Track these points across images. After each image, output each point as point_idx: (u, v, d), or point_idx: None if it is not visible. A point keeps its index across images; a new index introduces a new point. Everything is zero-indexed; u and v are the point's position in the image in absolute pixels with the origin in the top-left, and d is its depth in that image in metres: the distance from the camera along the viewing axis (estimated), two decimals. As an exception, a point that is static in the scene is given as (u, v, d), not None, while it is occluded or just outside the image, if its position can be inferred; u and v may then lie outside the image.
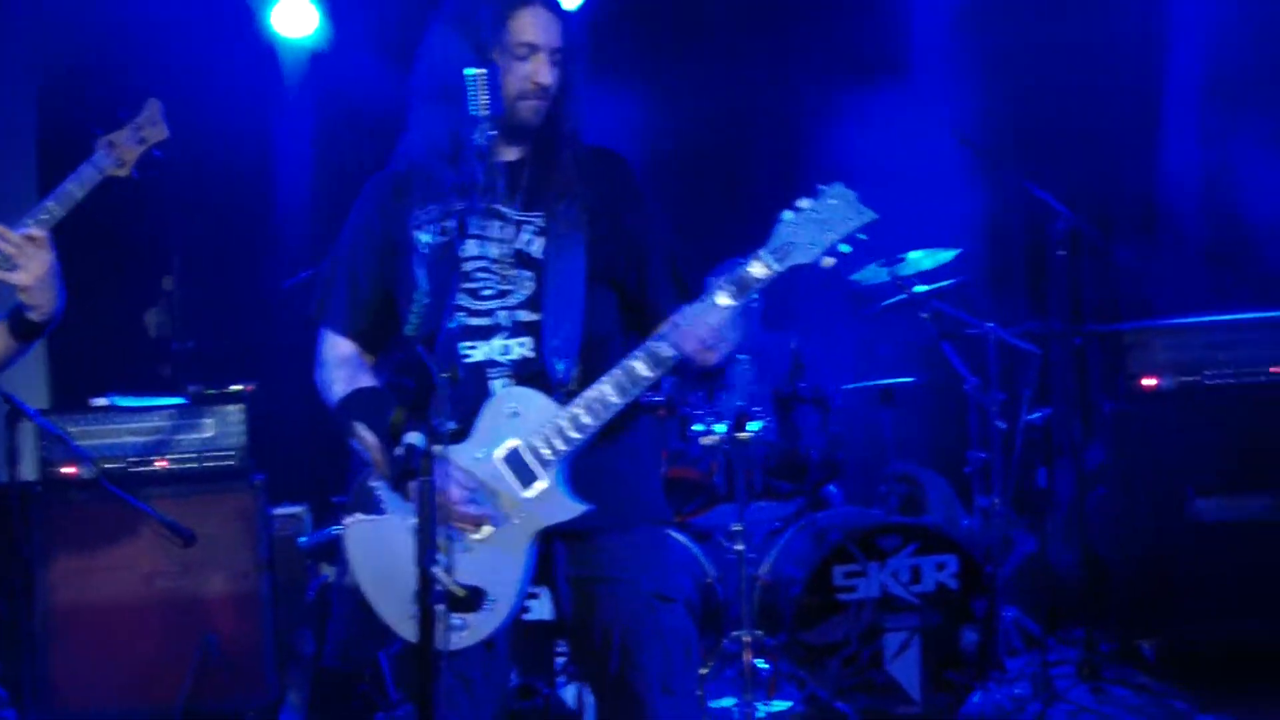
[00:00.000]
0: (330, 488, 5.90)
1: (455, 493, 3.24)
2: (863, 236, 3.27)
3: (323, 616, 5.58)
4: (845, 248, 3.26)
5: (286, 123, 7.52)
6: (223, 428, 5.91)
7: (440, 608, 2.91)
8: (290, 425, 6.51)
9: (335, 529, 5.81)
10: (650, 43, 7.81)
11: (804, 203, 3.26)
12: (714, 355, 3.28)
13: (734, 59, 7.91)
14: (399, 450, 2.93)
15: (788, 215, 3.26)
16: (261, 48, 7.40)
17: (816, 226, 3.23)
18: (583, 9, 7.13)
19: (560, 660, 5.27)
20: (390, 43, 6.44)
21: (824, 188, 3.28)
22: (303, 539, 6.18)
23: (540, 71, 3.43)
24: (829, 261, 3.25)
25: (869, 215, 3.26)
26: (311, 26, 7.33)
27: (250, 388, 6.02)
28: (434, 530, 2.87)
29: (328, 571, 5.88)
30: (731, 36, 7.93)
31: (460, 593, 3.02)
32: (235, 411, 5.92)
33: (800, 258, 3.24)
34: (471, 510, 3.28)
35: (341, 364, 3.59)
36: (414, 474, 2.88)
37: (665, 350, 3.27)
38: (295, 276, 5.99)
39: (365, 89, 6.61)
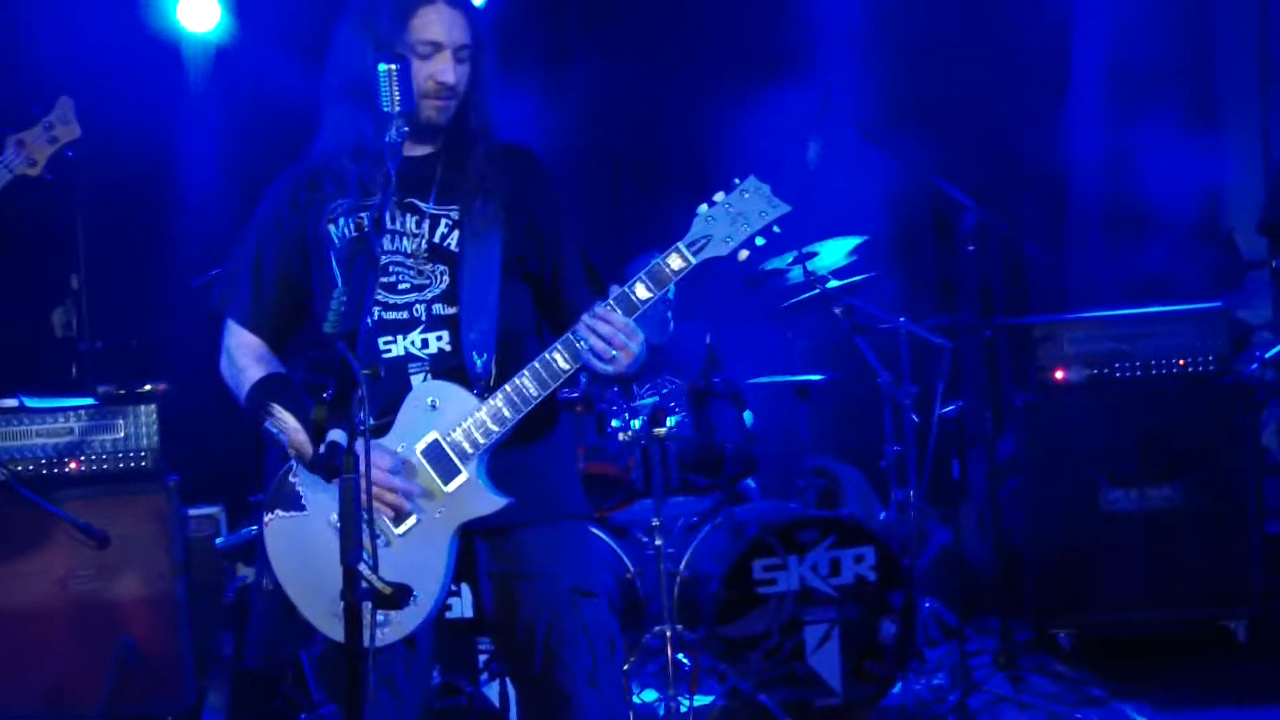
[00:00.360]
0: (246, 487, 5.84)
1: (379, 473, 3.21)
2: (777, 229, 3.31)
3: (241, 618, 5.51)
4: (761, 240, 3.30)
5: (192, 119, 7.42)
6: (134, 429, 5.81)
7: (366, 605, 2.89)
8: (203, 425, 6.42)
9: (253, 529, 5.76)
10: (560, 38, 7.81)
11: (719, 196, 3.30)
12: (611, 366, 3.27)
13: (645, 54, 7.90)
14: (322, 449, 2.90)
15: (703, 209, 3.29)
16: (166, 43, 7.29)
17: (732, 219, 3.27)
18: (492, 5, 7.10)
19: (483, 658, 5.26)
20: (297, 37, 6.38)
21: (739, 181, 3.32)
22: (219, 540, 6.11)
23: (443, 70, 3.42)
24: (744, 254, 3.30)
25: (783, 208, 3.30)
26: (214, 21, 7.23)
27: (162, 388, 5.94)
28: (359, 527, 2.84)
29: (245, 572, 5.81)
30: (642, 31, 7.92)
31: (386, 590, 2.99)
32: (147, 412, 5.83)
33: (716, 250, 3.27)
34: (397, 483, 3.26)
35: (248, 352, 3.57)
36: (337, 471, 2.85)
37: (582, 342, 3.27)
38: (204, 275, 5.91)
39: (272, 84, 6.54)
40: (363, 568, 2.85)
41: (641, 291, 3.27)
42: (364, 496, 2.82)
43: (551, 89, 7.24)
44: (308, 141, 3.60)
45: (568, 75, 7.75)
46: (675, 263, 3.26)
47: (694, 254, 3.26)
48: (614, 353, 3.23)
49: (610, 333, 3.22)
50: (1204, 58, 8.38)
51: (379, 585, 2.95)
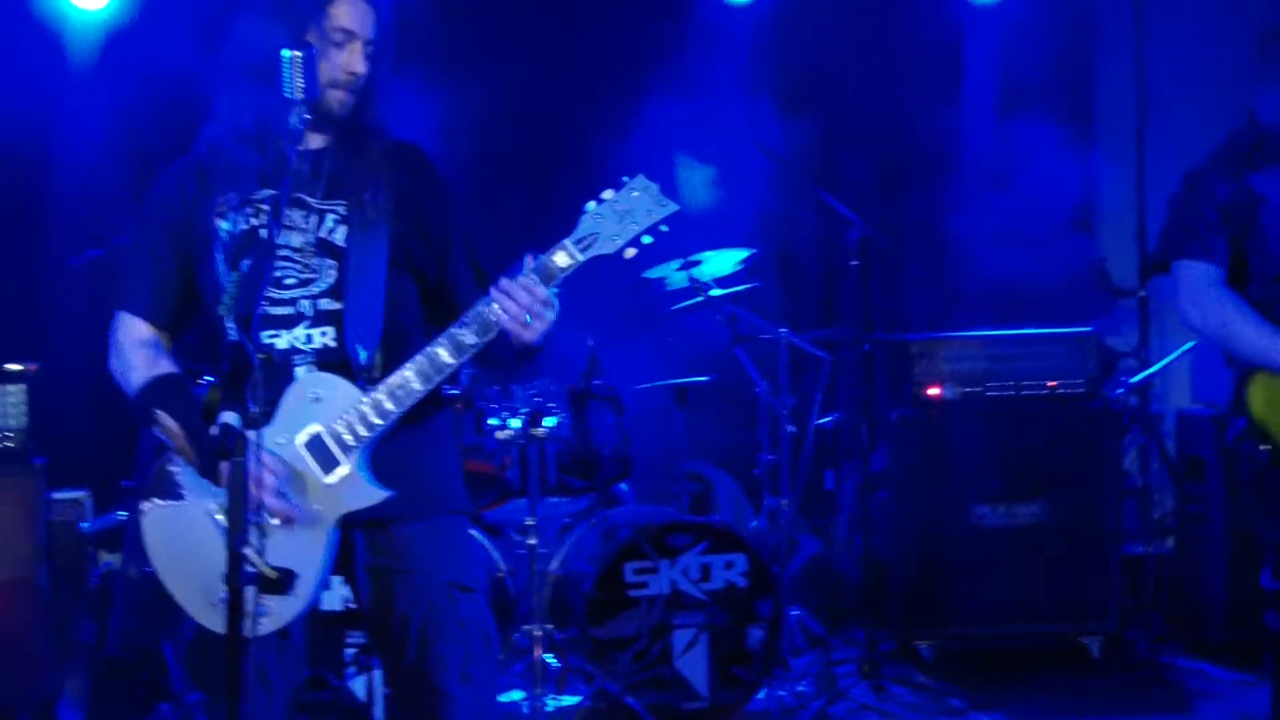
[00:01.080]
0: (116, 472, 5.76)
1: (268, 480, 3.20)
2: (665, 228, 3.32)
3: (105, 605, 5.42)
4: (648, 239, 3.30)
5: (75, 97, 7.29)
6: (2, 409, 5.71)
7: (250, 590, 2.87)
8: (73, 407, 6.33)
9: (121, 514, 5.68)
10: (454, 38, 7.77)
11: (608, 194, 3.30)
12: (530, 333, 3.28)
13: (537, 58, 7.90)
14: (214, 430, 2.88)
15: (591, 206, 3.29)
16: (49, 21, 7.17)
17: (619, 218, 3.27)
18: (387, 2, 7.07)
19: (350, 652, 5.23)
20: (192, 17, 6.29)
21: (627, 180, 3.32)
22: (85, 524, 6.01)
23: (354, 61, 3.43)
24: (631, 252, 3.30)
25: (671, 207, 3.31)
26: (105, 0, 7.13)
27: (32, 368, 5.83)
28: (246, 512, 2.83)
29: (111, 558, 5.72)
30: (536, 35, 7.92)
31: (272, 574, 2.98)
32: (16, 392, 5.71)
33: (604, 248, 3.27)
34: (279, 505, 3.24)
35: (139, 348, 3.51)
36: (229, 454, 2.83)
37: (468, 337, 3.27)
38: (82, 255, 5.82)
39: (163, 64, 6.45)
40: (249, 552, 2.84)
41: (562, 259, 3.28)
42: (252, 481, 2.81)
43: (445, 89, 7.22)
44: (199, 125, 3.56)
45: (460, 76, 7.72)
46: (562, 259, 3.27)
47: (581, 251, 3.26)
48: (527, 317, 3.24)
49: (528, 302, 3.23)
50: (1084, 86, 8.56)
51: (265, 569, 2.95)
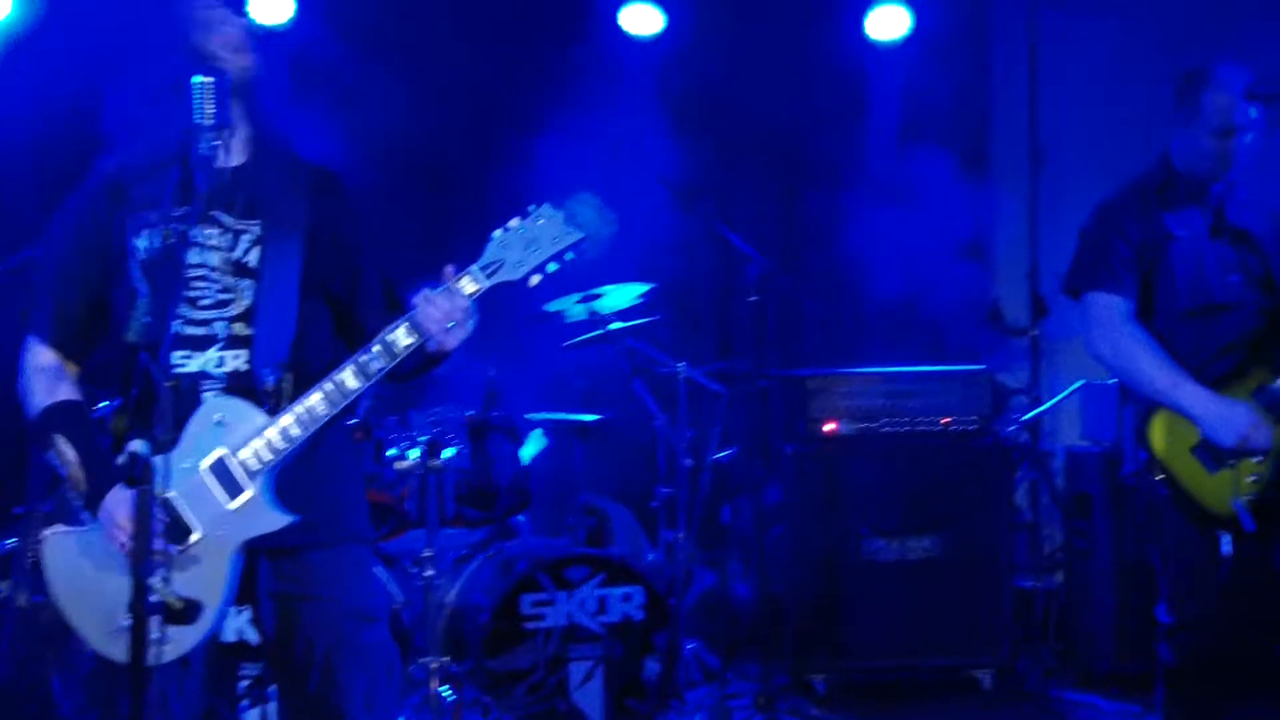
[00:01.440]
0: (5, 499, 5.66)
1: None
2: (571, 256, 3.38)
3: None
4: (553, 266, 3.37)
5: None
6: (-110, 434, 5.60)
7: (155, 619, 2.85)
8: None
9: (10, 541, 5.58)
10: (355, 67, 7.75)
11: (514, 222, 3.36)
12: (454, 337, 3.31)
13: (438, 85, 7.90)
14: (121, 458, 2.86)
15: (497, 234, 3.35)
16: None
17: (525, 245, 3.33)
18: (295, 28, 7.07)
19: (243, 684, 5.18)
20: (98, 29, 6.21)
21: (533, 208, 3.37)
22: (-29, 551, 5.90)
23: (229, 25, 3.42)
24: (536, 279, 3.36)
25: (576, 235, 3.36)
26: (6, 10, 7.01)
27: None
28: (151, 539, 2.81)
29: (1, 585, 5.61)
30: (436, 62, 7.92)
31: (178, 603, 2.96)
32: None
33: (509, 275, 3.33)
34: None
35: (40, 373, 3.49)
36: (136, 482, 2.81)
37: (374, 363, 3.30)
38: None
39: (71, 78, 6.35)
40: (154, 580, 2.82)
41: (468, 285, 3.33)
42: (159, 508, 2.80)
43: (345, 116, 7.19)
44: (108, 145, 3.54)
45: (363, 103, 7.70)
46: (468, 285, 3.32)
47: (487, 277, 3.32)
48: (451, 324, 3.29)
49: (451, 308, 3.28)
50: (980, 129, 8.70)
51: (170, 598, 2.92)
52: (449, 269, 3.34)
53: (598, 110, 7.51)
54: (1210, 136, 4.44)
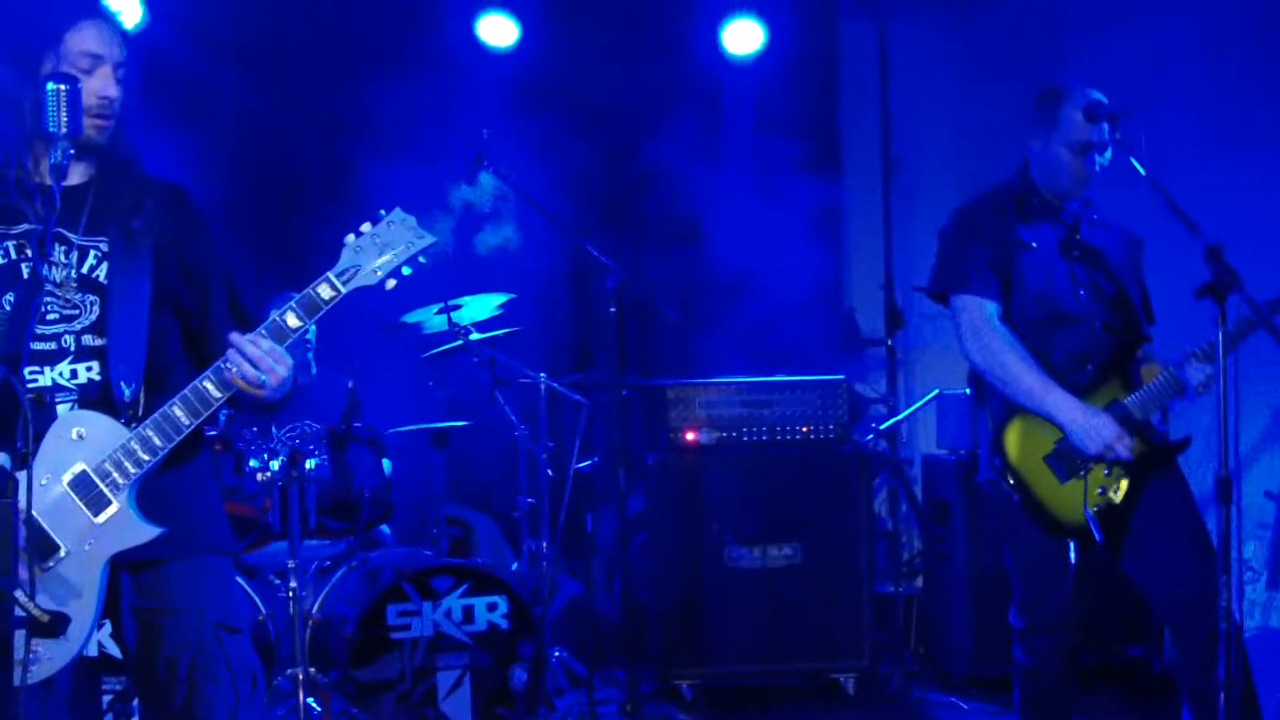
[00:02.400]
0: None
1: None
2: (424, 260, 3.40)
3: None
4: (407, 270, 3.38)
5: None
6: None
7: (20, 634, 2.78)
8: None
9: None
10: (206, 73, 7.66)
11: (366, 228, 3.37)
12: (262, 391, 3.29)
13: (292, 93, 7.85)
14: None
15: (351, 239, 3.35)
16: None
17: (379, 249, 3.34)
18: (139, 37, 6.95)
19: (106, 698, 5.08)
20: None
21: (384, 213, 3.39)
22: None
23: (107, 85, 3.37)
24: (392, 283, 3.37)
25: (429, 239, 3.39)
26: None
27: None
28: (15, 554, 2.74)
29: None
30: (290, 71, 7.87)
31: (44, 617, 2.89)
32: None
33: (365, 280, 3.34)
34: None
35: None
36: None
37: (213, 391, 3.28)
38: None
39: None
40: (19, 595, 2.75)
41: (292, 320, 3.31)
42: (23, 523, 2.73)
43: (195, 123, 7.11)
44: None
45: (214, 110, 7.62)
46: (325, 292, 3.32)
47: (343, 283, 3.32)
48: (262, 376, 3.26)
49: (258, 355, 3.25)
50: (832, 144, 8.83)
51: (35, 612, 2.85)
52: (273, 313, 3.32)
53: (453, 121, 7.49)
54: (1066, 150, 4.55)
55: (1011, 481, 4.42)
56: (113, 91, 3.37)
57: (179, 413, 3.26)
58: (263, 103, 7.78)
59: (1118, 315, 4.60)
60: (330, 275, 3.31)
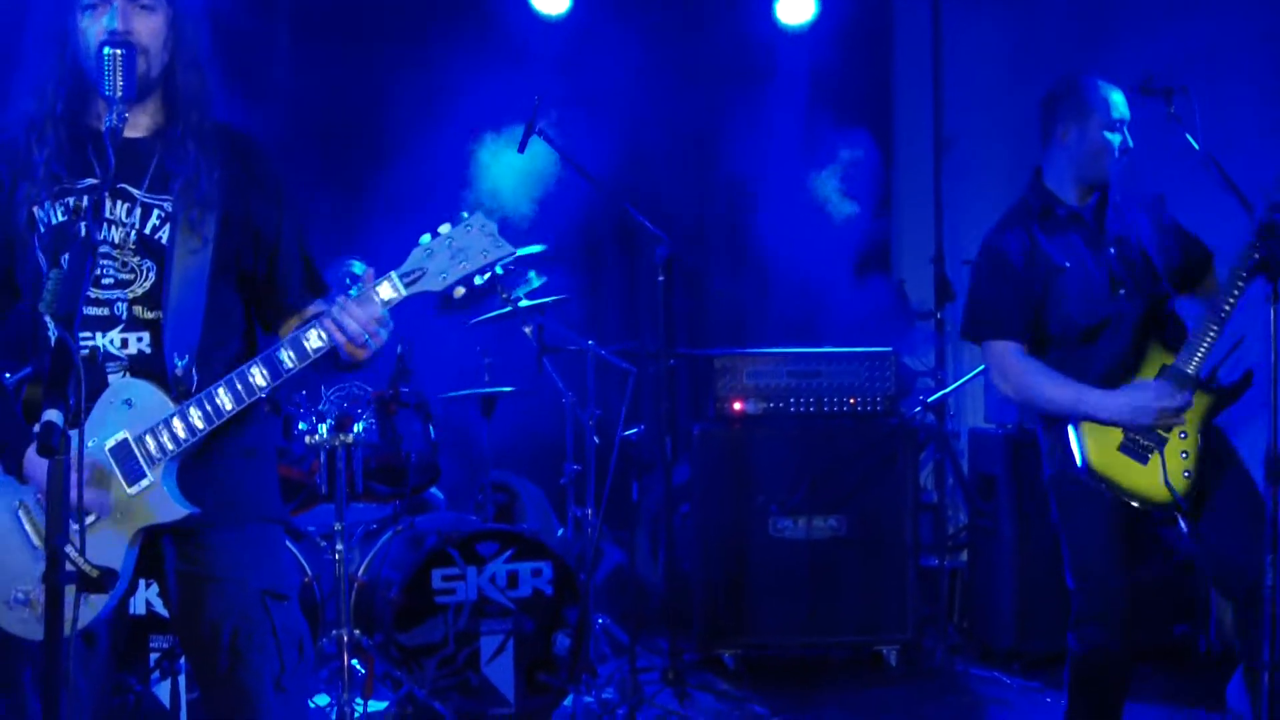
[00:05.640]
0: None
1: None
2: (499, 270, 3.27)
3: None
4: (480, 279, 3.24)
5: None
6: None
7: (70, 588, 2.80)
8: None
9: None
10: (266, 42, 7.68)
11: (444, 228, 3.24)
12: (364, 352, 3.27)
13: (347, 63, 7.86)
14: (36, 427, 2.80)
15: (425, 240, 3.23)
16: None
17: (452, 255, 3.21)
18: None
19: (153, 656, 5.13)
20: None
21: (466, 215, 3.24)
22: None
23: (109, 17, 3.23)
24: (460, 291, 3.24)
25: (506, 249, 3.24)
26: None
27: None
28: (66, 509, 2.76)
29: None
30: (345, 41, 7.89)
31: (94, 572, 2.90)
32: None
33: (430, 285, 3.23)
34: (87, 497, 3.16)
35: None
36: (51, 451, 2.76)
37: (284, 363, 3.23)
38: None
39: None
40: (70, 549, 2.77)
41: (386, 291, 3.24)
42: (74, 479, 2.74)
43: (245, 84, 7.12)
44: (4, 108, 3.42)
45: (265, 73, 7.63)
46: (385, 292, 3.23)
47: (406, 285, 3.22)
48: (365, 336, 3.22)
49: (366, 320, 3.21)
50: (884, 115, 8.79)
51: (86, 567, 2.87)
52: (369, 272, 3.25)
53: (505, 89, 7.48)
54: (1107, 131, 4.55)
55: (1100, 482, 4.43)
56: (117, 23, 3.21)
57: (223, 397, 3.23)
58: (310, 69, 7.78)
59: (1151, 288, 4.61)
60: (394, 275, 3.22)
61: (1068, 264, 4.57)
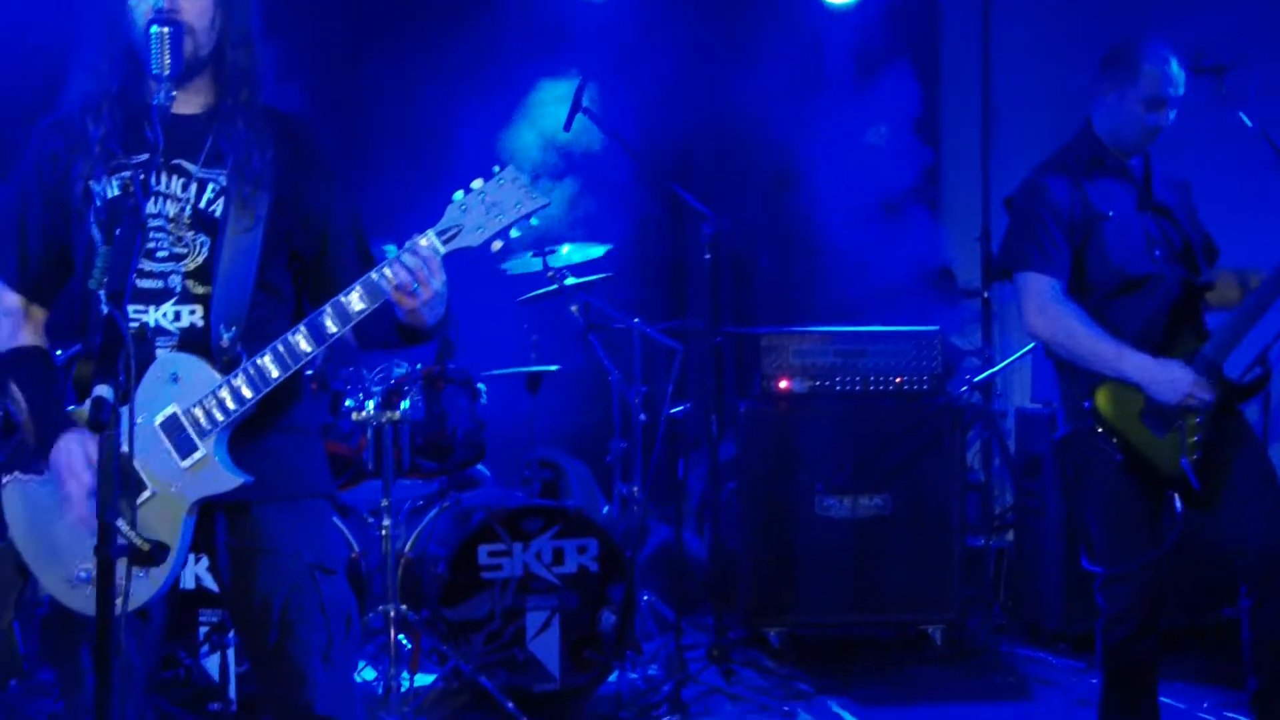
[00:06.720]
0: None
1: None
2: (535, 222, 3.25)
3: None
4: (515, 232, 3.23)
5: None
6: None
7: (121, 563, 2.83)
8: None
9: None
10: (314, 17, 7.69)
11: (477, 184, 3.23)
12: (414, 301, 3.23)
13: (400, 36, 7.87)
14: (87, 403, 2.82)
15: (459, 196, 3.22)
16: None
17: (487, 209, 3.20)
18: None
19: (203, 630, 5.18)
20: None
21: (498, 170, 3.24)
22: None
23: None
24: (498, 245, 3.23)
25: (540, 201, 3.23)
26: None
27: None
28: (117, 484, 2.78)
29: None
30: (399, 14, 7.89)
31: (145, 546, 2.93)
32: None
33: (468, 240, 3.21)
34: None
35: (5, 316, 3.44)
36: (102, 427, 2.78)
37: (327, 327, 3.23)
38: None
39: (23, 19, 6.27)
40: (121, 524, 2.79)
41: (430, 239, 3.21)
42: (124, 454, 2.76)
43: (302, 65, 7.14)
44: (62, 86, 3.44)
45: (321, 56, 7.64)
46: (426, 244, 3.21)
47: (444, 243, 3.20)
48: (415, 284, 3.17)
49: (416, 264, 3.17)
50: (932, 92, 8.74)
51: (137, 541, 2.90)
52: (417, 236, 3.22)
53: (549, 67, 7.49)
54: (1142, 104, 4.54)
55: (1113, 440, 4.41)
56: (169, 4, 3.22)
57: (269, 365, 3.22)
58: (342, 40, 7.79)
59: (1188, 268, 4.60)
60: (430, 233, 3.20)
61: (1111, 213, 4.55)
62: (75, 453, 3.19)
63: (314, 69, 7.31)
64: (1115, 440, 4.41)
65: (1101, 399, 4.44)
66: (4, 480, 3.38)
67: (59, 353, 3.51)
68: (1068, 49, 8.08)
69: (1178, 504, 4.46)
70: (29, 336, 3.44)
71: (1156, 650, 4.57)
